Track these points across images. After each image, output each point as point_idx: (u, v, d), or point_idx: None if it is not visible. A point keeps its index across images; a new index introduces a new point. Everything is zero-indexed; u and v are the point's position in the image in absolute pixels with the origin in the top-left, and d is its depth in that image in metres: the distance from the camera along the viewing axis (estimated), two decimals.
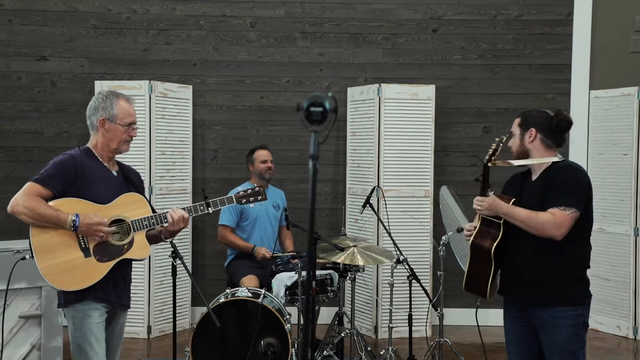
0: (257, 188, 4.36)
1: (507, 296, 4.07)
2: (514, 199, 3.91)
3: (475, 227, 4.02)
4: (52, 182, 3.79)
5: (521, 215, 3.81)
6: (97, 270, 3.84)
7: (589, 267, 3.96)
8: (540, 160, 3.93)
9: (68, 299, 3.86)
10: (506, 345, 4.14)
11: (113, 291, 3.94)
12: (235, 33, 7.57)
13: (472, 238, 3.98)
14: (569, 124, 3.95)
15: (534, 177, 3.99)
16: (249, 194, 4.32)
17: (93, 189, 3.88)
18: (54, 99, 7.50)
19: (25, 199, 3.74)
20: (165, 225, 4.05)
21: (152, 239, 4.16)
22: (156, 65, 7.52)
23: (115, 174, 4.06)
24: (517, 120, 4.04)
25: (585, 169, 4.03)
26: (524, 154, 3.98)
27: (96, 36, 7.50)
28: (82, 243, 3.82)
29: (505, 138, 3.94)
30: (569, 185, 3.80)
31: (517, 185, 4.06)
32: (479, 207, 3.94)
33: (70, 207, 3.79)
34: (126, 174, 4.14)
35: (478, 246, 3.95)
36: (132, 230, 3.94)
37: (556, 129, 3.93)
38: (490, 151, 3.89)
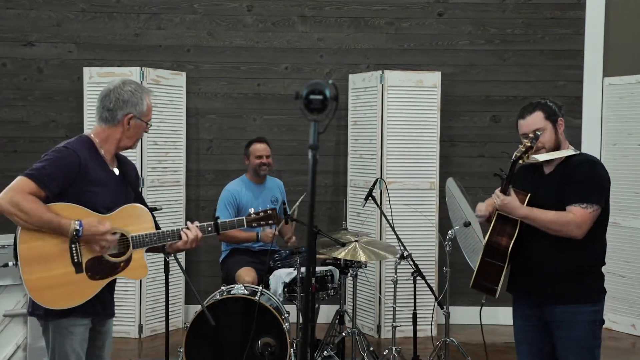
0: (270, 211, 4.13)
1: (520, 294, 4.07)
2: (529, 195, 3.90)
3: (489, 214, 4.04)
4: (50, 183, 3.50)
5: (543, 218, 3.80)
6: (87, 289, 3.62)
7: (604, 263, 3.97)
8: (564, 152, 3.91)
9: (51, 312, 3.58)
10: (516, 345, 4.14)
11: (99, 302, 3.73)
12: (230, 17, 7.54)
13: (487, 237, 3.97)
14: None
15: (547, 171, 3.97)
16: (261, 218, 4.10)
17: (93, 193, 3.62)
18: (41, 86, 7.47)
19: (19, 198, 3.42)
20: (170, 242, 3.88)
21: (151, 249, 3.92)
22: (148, 51, 7.50)
23: (116, 172, 3.82)
24: (540, 115, 3.91)
25: (599, 160, 4.02)
26: (557, 146, 3.93)
27: (85, 20, 7.47)
28: (75, 257, 3.56)
29: (540, 134, 3.85)
30: (591, 181, 3.81)
31: (528, 178, 4.04)
32: (498, 204, 3.90)
33: (68, 215, 3.52)
34: (124, 172, 3.88)
35: (494, 244, 3.94)
36: (131, 246, 3.70)
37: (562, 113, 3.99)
38: (523, 148, 3.81)
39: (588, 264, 3.88)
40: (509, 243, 3.89)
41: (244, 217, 4.10)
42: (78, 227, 3.49)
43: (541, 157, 3.92)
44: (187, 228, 3.89)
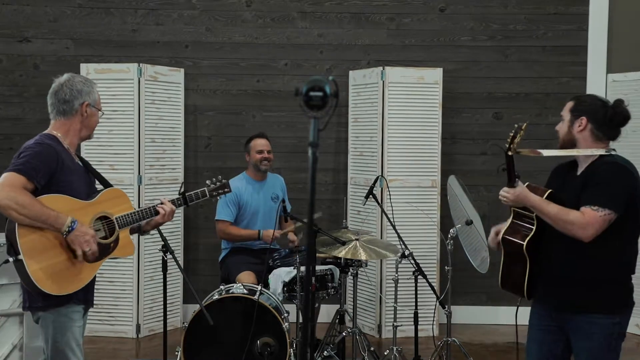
0: (224, 180, 4.67)
1: (539, 296, 3.95)
2: (549, 191, 3.81)
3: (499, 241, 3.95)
4: (37, 174, 3.66)
5: (549, 210, 3.71)
6: (87, 271, 3.82)
7: (633, 273, 3.81)
8: (579, 152, 3.82)
9: (50, 302, 3.74)
10: (527, 343, 4.04)
11: (90, 290, 3.95)
12: (229, 13, 7.54)
13: (502, 233, 3.91)
14: (625, 117, 3.82)
15: (579, 171, 3.86)
16: (218, 187, 4.63)
17: (71, 183, 3.82)
18: (37, 83, 7.46)
19: (14, 193, 3.56)
20: (149, 219, 4.20)
21: (131, 230, 4.19)
22: (146, 47, 7.49)
23: (80, 163, 4.03)
24: (569, 105, 3.90)
25: (630, 163, 3.88)
26: (570, 142, 3.86)
27: (82, 16, 7.47)
28: None
29: (525, 125, 3.79)
30: (608, 184, 3.67)
31: (560, 178, 3.96)
32: (505, 199, 3.84)
33: (56, 204, 3.69)
34: (84, 163, 4.09)
35: (509, 242, 3.88)
36: (117, 227, 3.96)
37: (610, 122, 3.81)
38: (509, 139, 3.76)
39: (606, 273, 3.72)
40: (523, 241, 3.80)
41: (205, 189, 4.57)
42: (72, 225, 3.69)
43: (545, 152, 3.88)
44: (162, 203, 4.23)
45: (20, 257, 3.61)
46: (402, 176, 6.97)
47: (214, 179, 4.67)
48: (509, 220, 3.94)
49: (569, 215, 3.67)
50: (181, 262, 6.98)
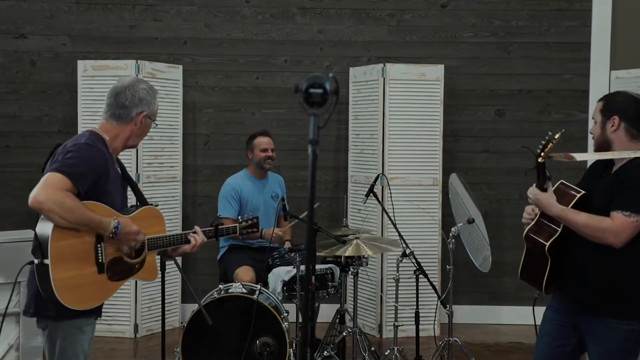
0: (255, 219, 4.63)
1: (558, 293, 3.89)
2: (582, 193, 3.72)
3: (535, 215, 3.85)
4: (83, 180, 3.52)
5: (577, 220, 3.63)
6: (107, 289, 3.69)
7: None
8: (615, 154, 3.71)
9: (64, 312, 3.56)
10: (538, 336, 3.99)
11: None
12: (228, 9, 7.53)
13: (526, 230, 3.83)
14: None
15: (613, 170, 3.75)
16: (249, 225, 4.60)
17: (111, 193, 3.71)
18: (34, 79, 7.45)
19: (59, 196, 3.42)
20: (179, 247, 4.10)
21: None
22: (144, 43, 7.48)
23: (119, 170, 3.90)
24: (599, 105, 3.80)
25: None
26: (606, 144, 3.75)
27: (79, 12, 7.45)
28: (100, 257, 3.61)
29: (559, 134, 3.67)
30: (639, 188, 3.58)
31: (595, 176, 3.84)
32: (531, 199, 3.76)
33: (97, 212, 3.58)
34: (122, 171, 3.96)
35: (533, 240, 3.81)
36: (146, 248, 3.84)
37: None
38: (541, 146, 3.66)
39: (628, 278, 3.64)
40: (546, 242, 3.72)
41: (237, 225, 4.56)
42: (117, 225, 3.59)
43: (579, 156, 3.80)
44: (194, 232, 4.13)
45: (47, 261, 3.45)
46: (403, 174, 6.97)
47: (247, 217, 4.65)
48: (536, 218, 3.84)
49: (599, 224, 3.58)
50: (180, 261, 6.97)
